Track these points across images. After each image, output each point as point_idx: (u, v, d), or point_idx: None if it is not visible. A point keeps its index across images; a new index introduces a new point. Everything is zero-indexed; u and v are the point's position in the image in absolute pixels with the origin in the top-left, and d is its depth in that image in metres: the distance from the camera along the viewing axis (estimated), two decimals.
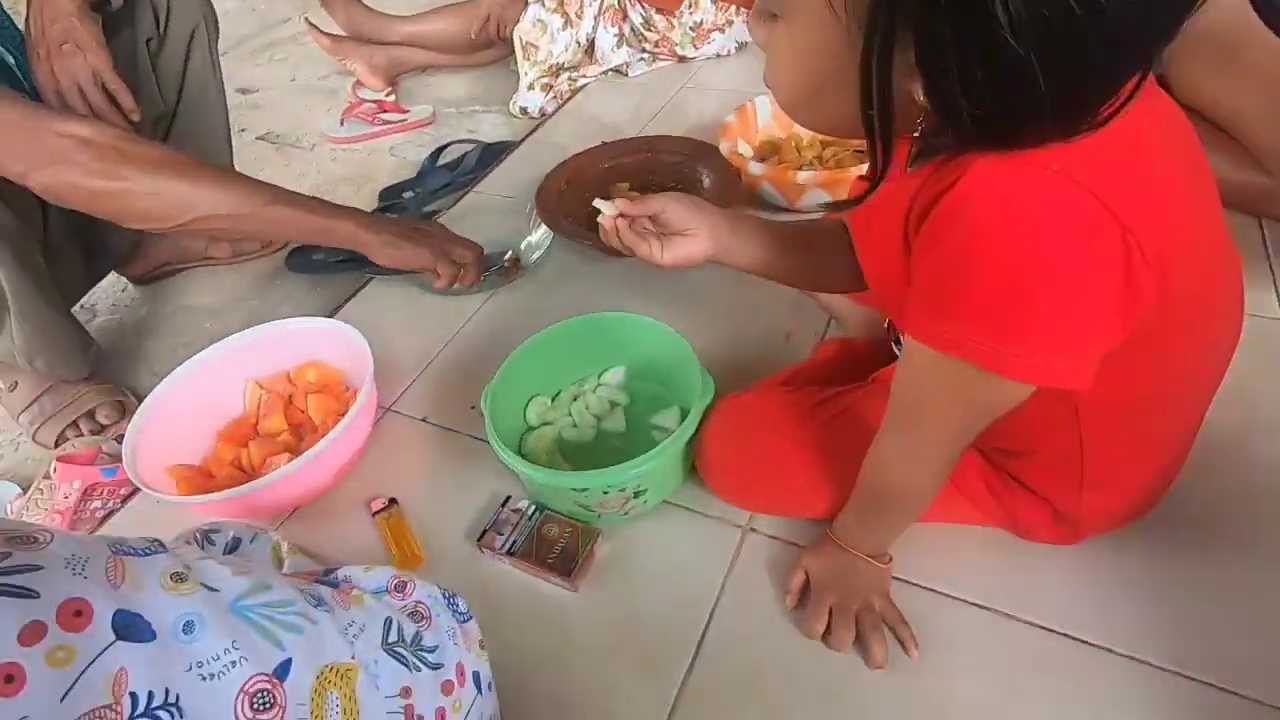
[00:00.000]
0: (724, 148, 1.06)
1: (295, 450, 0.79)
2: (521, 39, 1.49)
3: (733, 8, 1.48)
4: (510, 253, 1.04)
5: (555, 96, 1.52)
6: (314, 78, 1.88)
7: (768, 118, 1.17)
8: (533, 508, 0.70)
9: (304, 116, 1.70)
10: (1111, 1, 0.31)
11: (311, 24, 1.61)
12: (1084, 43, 0.32)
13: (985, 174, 0.38)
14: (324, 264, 1.20)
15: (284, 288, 1.21)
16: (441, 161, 1.41)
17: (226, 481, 0.77)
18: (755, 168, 1.02)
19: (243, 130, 1.69)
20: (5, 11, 0.91)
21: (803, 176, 0.98)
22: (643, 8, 1.47)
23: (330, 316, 1.04)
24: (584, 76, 1.54)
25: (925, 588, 0.63)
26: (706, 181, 1.09)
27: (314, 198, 0.88)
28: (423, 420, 0.86)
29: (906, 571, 0.63)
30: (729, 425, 0.66)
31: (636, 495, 0.68)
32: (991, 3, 0.31)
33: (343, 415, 0.77)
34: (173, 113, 1.09)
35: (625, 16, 1.49)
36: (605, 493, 0.66)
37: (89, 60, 0.83)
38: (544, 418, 0.79)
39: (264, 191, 0.82)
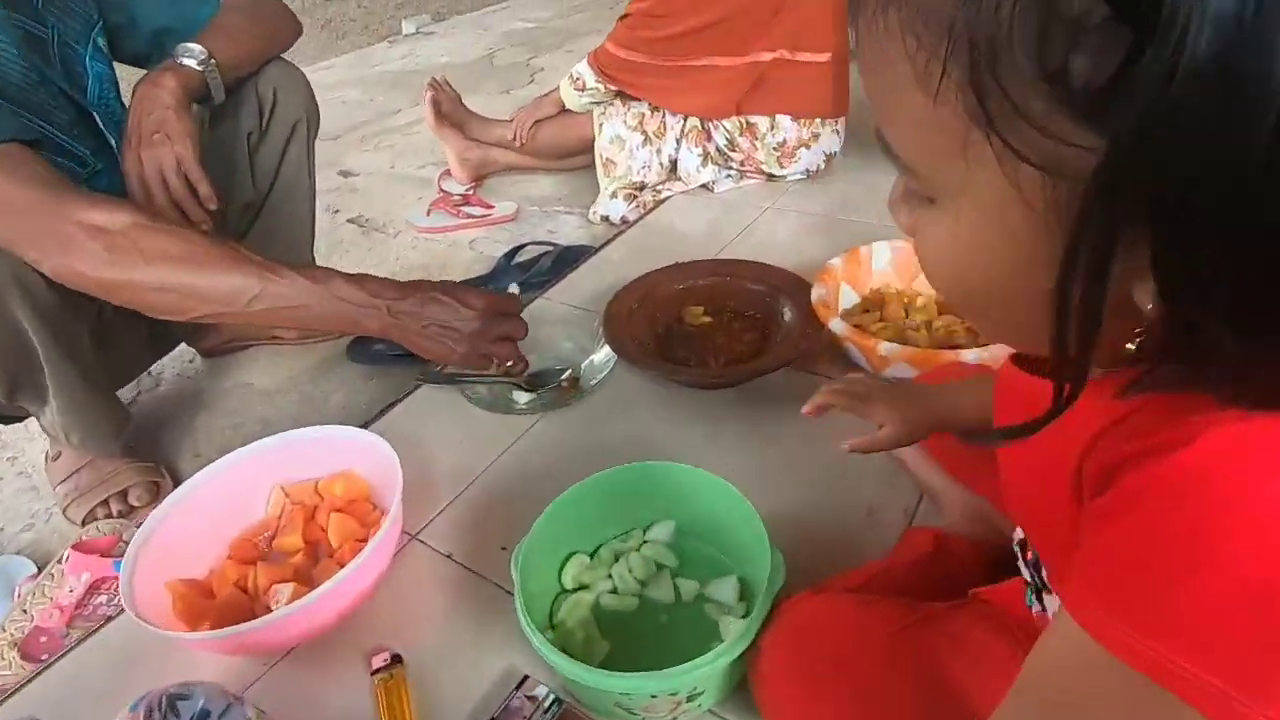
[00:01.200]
0: (816, 294, 0.95)
1: (305, 577, 0.72)
2: (601, 155, 1.49)
3: (818, 120, 1.44)
4: (570, 371, 0.98)
5: (638, 206, 1.49)
6: (412, 167, 1.95)
7: (885, 264, 1.04)
8: (551, 698, 0.59)
9: (395, 204, 1.75)
10: None
11: (432, 96, 1.65)
12: None
13: (1235, 444, 0.27)
14: (383, 355, 1.17)
15: (341, 375, 1.19)
16: (517, 260, 1.39)
17: (226, 603, 0.70)
18: (838, 326, 0.89)
19: (336, 211, 1.74)
20: (122, 102, 0.94)
21: (885, 349, 0.85)
22: (726, 129, 1.45)
23: (380, 415, 0.99)
24: (668, 190, 1.51)
25: None
26: (788, 317, 1.01)
27: (364, 280, 0.82)
28: (448, 556, 0.77)
29: None
30: (792, 643, 0.53)
31: (690, 699, 0.57)
32: None
33: (363, 543, 0.69)
34: (262, 201, 1.11)
35: (710, 137, 1.48)
36: (653, 696, 0.55)
37: (174, 149, 0.83)
38: (580, 579, 0.69)
39: (287, 284, 0.76)
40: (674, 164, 1.51)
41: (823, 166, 1.50)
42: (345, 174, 1.95)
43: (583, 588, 0.69)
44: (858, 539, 0.73)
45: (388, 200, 1.77)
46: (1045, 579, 0.45)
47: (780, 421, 0.88)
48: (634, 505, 0.73)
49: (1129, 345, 0.29)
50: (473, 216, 1.60)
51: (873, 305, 1.01)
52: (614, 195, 1.50)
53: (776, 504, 0.77)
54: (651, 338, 1.02)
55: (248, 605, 0.70)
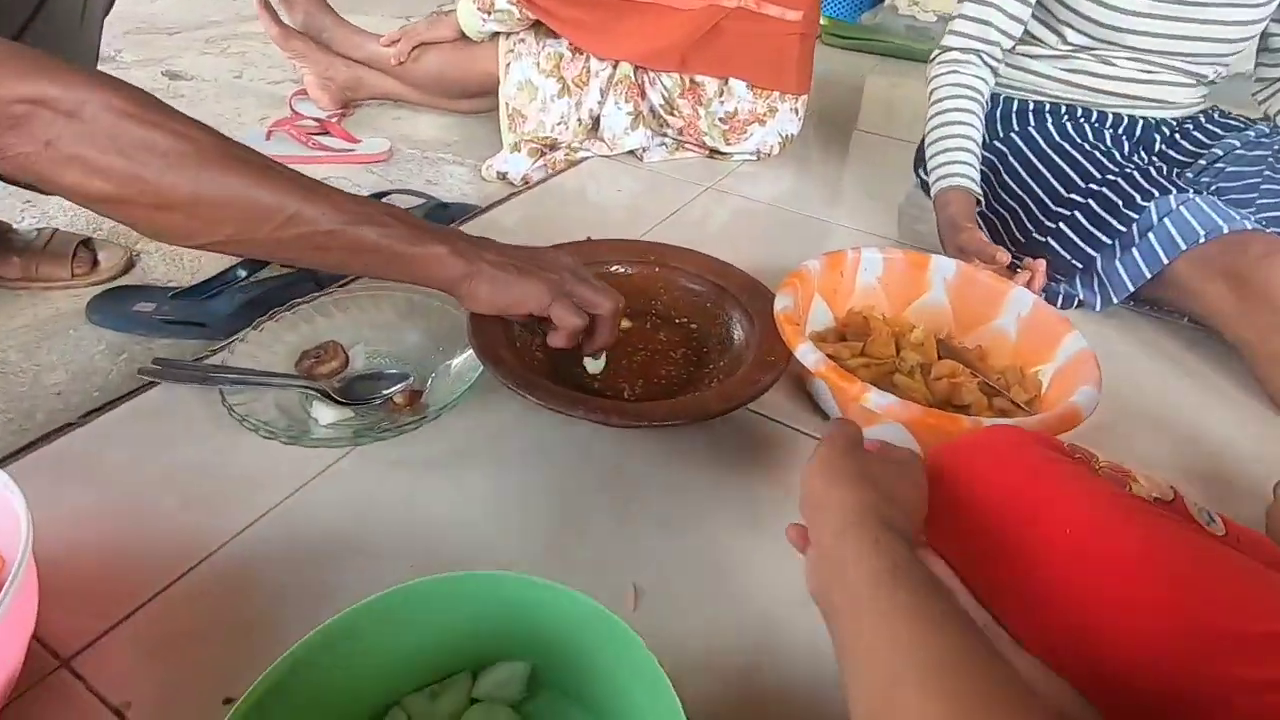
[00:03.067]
0: (780, 304, 0.66)
1: None
2: (506, 102, 1.16)
3: (775, 94, 1.17)
4: (410, 380, 0.65)
5: (546, 165, 1.17)
6: (263, 81, 1.53)
7: (874, 278, 0.77)
8: None
9: (229, 121, 1.33)
10: None
11: (267, 4, 1.25)
12: None
13: None
14: (147, 320, 0.79)
15: (77, 341, 0.79)
16: None
17: None
18: (809, 356, 0.60)
19: None
20: None
21: (876, 401, 0.56)
22: (664, 86, 1.16)
23: (88, 418, 0.62)
24: (586, 151, 1.20)
25: None
26: (737, 334, 0.72)
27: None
28: (117, 714, 0.43)
29: None
30: None
31: None
32: None
33: None
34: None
35: (643, 93, 1.18)
36: None
37: None
38: None
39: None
40: (596, 121, 1.20)
41: (776, 150, 1.24)
42: (172, 75, 1.51)
43: None
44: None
45: (219, 115, 1.36)
46: None
47: (721, 488, 0.60)
48: (463, 635, 0.42)
49: None
50: (328, 150, 1.22)
51: (852, 332, 0.74)
52: (517, 149, 1.17)
53: (716, 639, 0.48)
54: (540, 343, 0.71)
55: None
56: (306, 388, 0.61)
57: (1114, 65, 0.95)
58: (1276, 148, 0.91)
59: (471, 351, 0.63)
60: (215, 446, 0.59)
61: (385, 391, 0.63)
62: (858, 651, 0.31)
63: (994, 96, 1.05)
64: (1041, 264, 0.80)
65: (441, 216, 1.02)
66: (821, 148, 1.37)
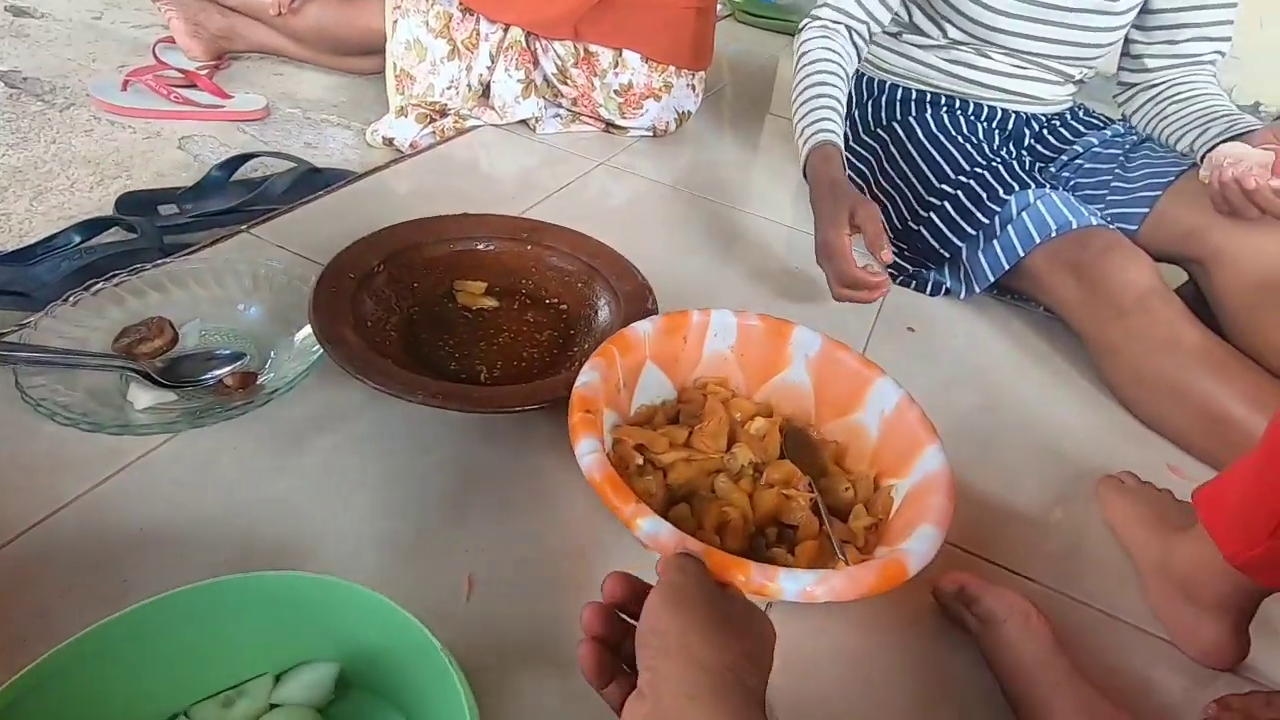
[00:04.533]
0: (581, 379, 0.55)
1: None
2: (394, 62, 1.10)
3: (671, 69, 1.16)
4: (243, 362, 0.60)
5: (434, 132, 1.12)
6: (127, 24, 1.40)
7: (726, 347, 0.64)
8: None
9: (81, 67, 1.21)
10: None
11: None
12: None
13: None
14: None
15: None
16: (240, 176, 0.97)
17: None
18: (585, 456, 0.50)
19: None
20: None
21: (645, 531, 0.45)
22: (557, 54, 1.12)
23: None
24: (476, 119, 1.15)
25: None
26: (603, 316, 0.71)
27: None
28: None
29: None
30: None
31: None
32: None
33: None
34: None
35: (536, 61, 1.14)
36: None
37: None
38: None
39: None
40: (487, 88, 1.15)
41: (673, 127, 1.23)
42: (17, 11, 1.36)
43: None
44: None
45: (69, 60, 1.23)
46: None
47: (574, 472, 0.59)
48: (262, 638, 0.40)
49: None
50: (193, 104, 1.13)
51: (688, 411, 0.63)
52: (404, 113, 1.12)
53: (551, 628, 0.48)
54: (396, 321, 0.68)
55: None
56: (122, 368, 0.56)
57: (990, 59, 0.97)
58: (1128, 147, 0.97)
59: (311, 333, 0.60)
60: (9, 433, 0.54)
61: (215, 373, 0.58)
62: None
63: (880, 83, 1.06)
64: (885, 280, 0.77)
65: (313, 182, 0.96)
66: (728, 128, 1.36)
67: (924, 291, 0.94)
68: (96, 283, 0.62)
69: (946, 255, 0.93)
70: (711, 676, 0.31)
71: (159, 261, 0.67)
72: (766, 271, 0.95)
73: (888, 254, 0.74)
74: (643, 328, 0.61)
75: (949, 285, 0.93)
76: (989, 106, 1.01)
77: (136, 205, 0.89)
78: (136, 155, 1.03)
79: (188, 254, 0.74)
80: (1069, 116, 1.04)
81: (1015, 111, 1.02)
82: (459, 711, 0.34)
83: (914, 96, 1.03)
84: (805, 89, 0.91)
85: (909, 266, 0.96)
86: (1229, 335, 0.78)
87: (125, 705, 0.37)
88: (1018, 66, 0.98)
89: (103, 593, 0.45)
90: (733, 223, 1.05)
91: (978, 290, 0.90)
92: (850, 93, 0.97)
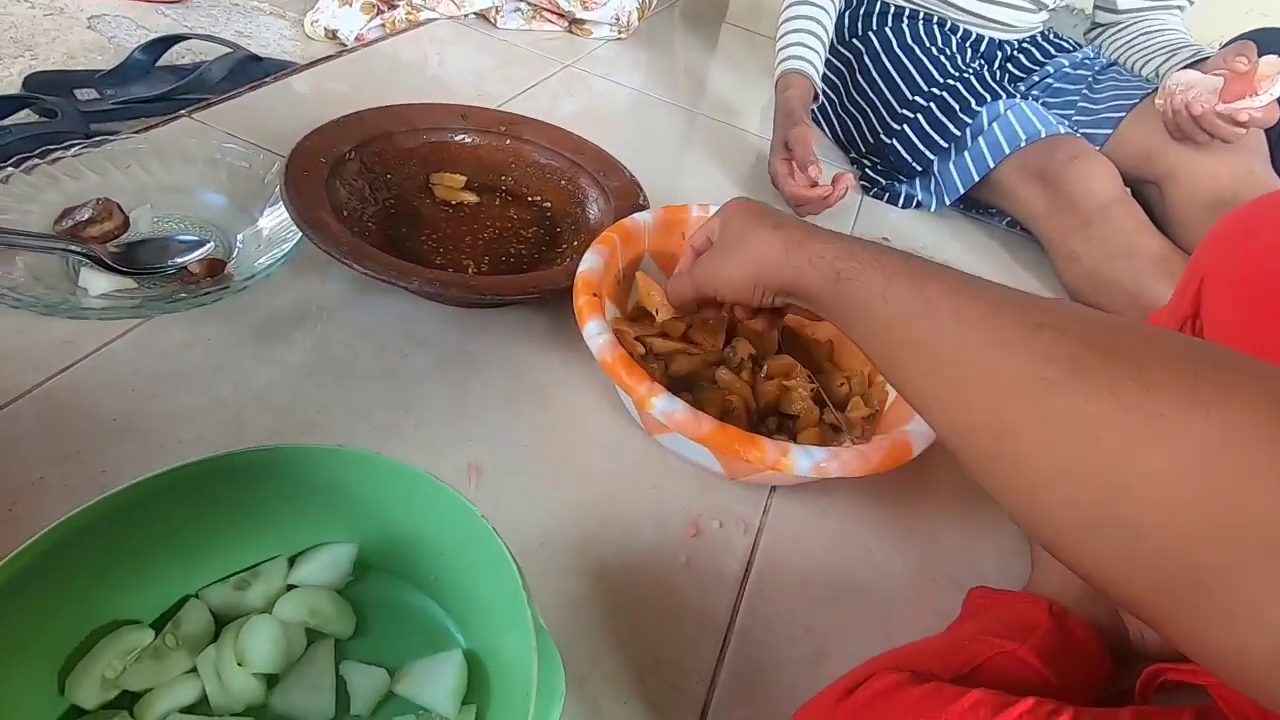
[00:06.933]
0: (585, 264, 0.54)
1: None
2: None
3: None
4: (208, 248, 0.55)
5: (383, 24, 1.03)
6: None
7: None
8: None
9: None
10: None
11: None
12: None
13: None
14: None
15: None
16: (166, 61, 0.87)
17: None
18: (595, 338, 0.49)
19: None
20: None
21: (660, 409, 0.46)
22: None
23: None
24: (430, 10, 1.07)
25: None
26: (593, 213, 0.69)
27: None
28: None
29: None
30: None
31: None
32: None
33: None
34: None
35: None
36: None
37: None
38: (123, 685, 0.33)
39: None
40: None
41: (634, 20, 1.18)
42: None
43: (120, 709, 0.33)
44: (697, 589, 0.46)
45: None
46: None
47: (572, 366, 0.58)
48: (275, 517, 0.38)
49: None
50: None
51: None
52: (348, 3, 1.02)
53: (560, 515, 0.47)
54: (372, 212, 0.63)
55: None
56: (68, 250, 0.50)
57: None
58: (1096, 69, 0.99)
59: (285, 216, 0.55)
60: None
61: (178, 260, 0.53)
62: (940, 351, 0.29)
63: None
64: (848, 177, 0.79)
65: (251, 72, 0.87)
66: (686, 36, 1.32)
67: (896, 204, 0.95)
68: (31, 158, 0.54)
69: (919, 169, 0.93)
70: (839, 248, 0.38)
71: (97, 138, 0.59)
72: (750, 178, 0.94)
73: (814, 170, 0.78)
74: (643, 218, 0.59)
75: (920, 198, 0.94)
76: (963, 28, 1.01)
77: (47, 87, 0.79)
78: (39, 33, 0.91)
79: (124, 138, 0.66)
80: (1039, 38, 1.05)
81: (988, 37, 1.03)
82: (512, 585, 0.33)
83: (891, 10, 1.02)
84: (791, 15, 0.94)
85: (881, 180, 0.97)
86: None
87: (131, 586, 0.34)
88: None
89: (75, 483, 0.41)
90: (697, 127, 1.03)
91: (948, 202, 0.91)
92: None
